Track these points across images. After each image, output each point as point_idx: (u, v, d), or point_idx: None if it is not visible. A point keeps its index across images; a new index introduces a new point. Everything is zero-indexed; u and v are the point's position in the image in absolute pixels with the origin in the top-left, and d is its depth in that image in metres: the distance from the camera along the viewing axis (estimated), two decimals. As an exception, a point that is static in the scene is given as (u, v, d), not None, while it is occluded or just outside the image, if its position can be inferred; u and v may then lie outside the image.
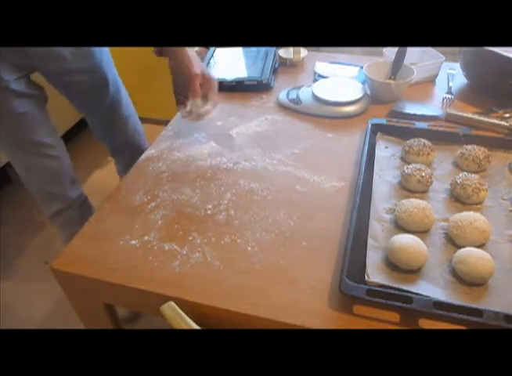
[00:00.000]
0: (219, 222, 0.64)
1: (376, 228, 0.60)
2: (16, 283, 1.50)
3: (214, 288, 0.54)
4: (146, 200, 0.69)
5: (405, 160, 0.72)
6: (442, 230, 0.59)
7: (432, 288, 0.51)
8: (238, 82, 0.95)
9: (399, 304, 0.48)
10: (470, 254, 0.53)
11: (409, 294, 0.49)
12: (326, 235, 0.61)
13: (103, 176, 1.88)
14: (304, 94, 0.90)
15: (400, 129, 0.77)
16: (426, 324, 0.49)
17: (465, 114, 0.81)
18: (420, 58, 1.00)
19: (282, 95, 0.92)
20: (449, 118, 0.82)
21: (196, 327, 0.47)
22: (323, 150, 0.78)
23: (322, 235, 0.61)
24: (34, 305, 1.41)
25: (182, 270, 0.57)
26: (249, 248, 0.60)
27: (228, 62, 1.06)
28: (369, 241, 0.58)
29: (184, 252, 0.59)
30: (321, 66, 1.02)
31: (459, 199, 0.64)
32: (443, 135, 0.76)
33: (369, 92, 0.91)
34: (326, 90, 0.89)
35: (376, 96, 0.90)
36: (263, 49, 1.06)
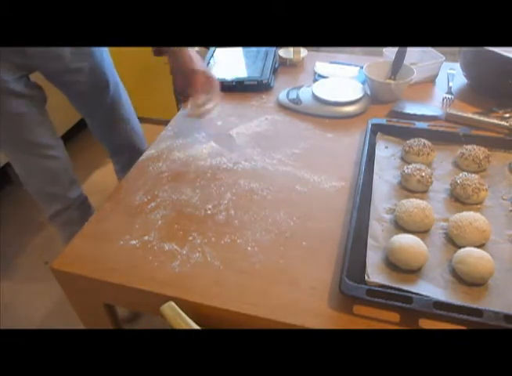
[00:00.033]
0: (219, 222, 0.64)
1: (376, 228, 0.60)
2: (16, 283, 1.50)
3: (214, 288, 0.54)
4: (146, 200, 0.69)
5: (405, 160, 0.72)
6: (442, 230, 0.59)
7: (432, 288, 0.51)
8: (238, 82, 0.95)
9: (399, 304, 0.48)
10: (470, 254, 0.53)
11: (409, 294, 0.49)
12: (326, 235, 0.61)
13: (103, 176, 1.88)
14: (304, 94, 0.90)
15: (400, 129, 0.77)
16: (426, 324, 0.49)
17: (465, 114, 0.81)
18: (420, 58, 1.00)
19: (282, 95, 0.92)
20: (449, 118, 0.82)
21: (196, 327, 0.47)
22: (323, 150, 0.78)
23: (322, 235, 0.61)
24: (34, 305, 1.41)
25: (182, 270, 0.57)
26: (249, 248, 0.60)
27: (228, 62, 1.06)
28: (369, 241, 0.58)
29: (184, 252, 0.59)
30: (321, 66, 1.02)
31: (459, 199, 0.64)
32: (443, 135, 0.76)
33: (369, 92, 0.91)
34: (326, 90, 0.89)
35: (376, 96, 0.90)
36: (263, 49, 1.06)
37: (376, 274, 0.53)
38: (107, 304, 0.65)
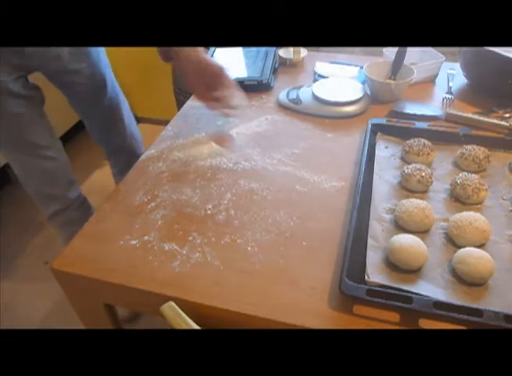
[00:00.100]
0: (219, 222, 0.64)
1: (376, 228, 0.60)
2: (16, 283, 1.50)
3: (214, 288, 0.54)
4: (146, 200, 0.69)
5: (405, 160, 0.72)
6: (442, 230, 0.59)
7: (432, 288, 0.51)
8: (238, 82, 0.95)
9: (399, 304, 0.48)
10: (470, 254, 0.53)
11: (409, 294, 0.49)
12: (326, 235, 0.61)
13: (102, 177, 1.88)
14: (304, 94, 0.90)
15: (400, 129, 0.77)
16: (426, 324, 0.49)
17: (465, 114, 0.81)
18: (420, 58, 1.00)
19: (282, 95, 0.92)
20: (449, 118, 0.82)
21: (196, 327, 0.47)
22: (323, 150, 0.78)
23: (322, 235, 0.61)
24: (34, 305, 1.41)
25: (182, 270, 0.57)
26: (249, 248, 0.60)
27: (228, 62, 1.06)
28: (369, 241, 0.58)
29: (184, 252, 0.59)
30: (321, 66, 1.02)
31: (459, 199, 0.64)
32: (443, 135, 0.76)
33: (369, 92, 0.91)
34: (326, 90, 0.89)
35: (376, 96, 0.90)
36: (263, 49, 1.06)
37: (376, 274, 0.53)
38: (107, 304, 0.65)
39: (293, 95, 0.90)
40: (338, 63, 1.04)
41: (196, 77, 0.75)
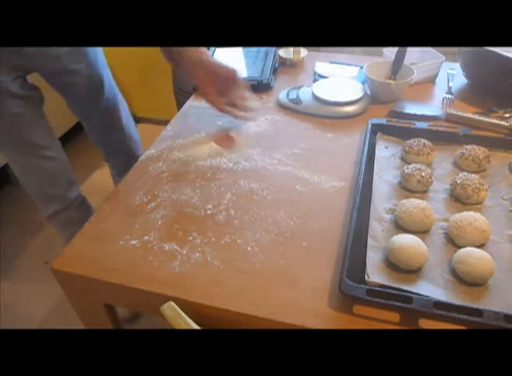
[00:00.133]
0: (219, 222, 0.64)
1: (376, 228, 0.60)
2: (16, 283, 1.50)
3: (214, 288, 0.54)
4: (146, 200, 0.69)
5: (405, 160, 0.72)
6: (442, 230, 0.59)
7: (432, 288, 0.51)
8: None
9: (399, 304, 0.48)
10: (470, 254, 0.53)
11: (409, 294, 0.49)
12: (326, 235, 0.61)
13: (102, 177, 1.88)
14: (304, 94, 0.90)
15: (400, 129, 0.77)
16: (426, 324, 0.49)
17: (465, 114, 0.81)
18: (420, 58, 1.00)
19: (282, 95, 0.92)
20: (449, 118, 0.82)
21: (196, 327, 0.47)
22: (323, 150, 0.78)
23: (322, 235, 0.61)
24: (34, 305, 1.41)
25: (182, 270, 0.57)
26: (249, 248, 0.60)
27: (229, 62, 1.06)
28: (369, 241, 0.58)
29: (184, 252, 0.59)
30: (321, 66, 1.02)
31: (459, 199, 0.64)
32: (443, 135, 0.76)
33: (369, 92, 0.91)
34: (326, 90, 0.89)
35: (376, 96, 0.90)
36: (263, 49, 1.06)
37: (376, 274, 0.53)
38: (107, 304, 0.65)
39: (293, 95, 0.90)
40: (338, 63, 1.04)
41: (206, 81, 0.75)
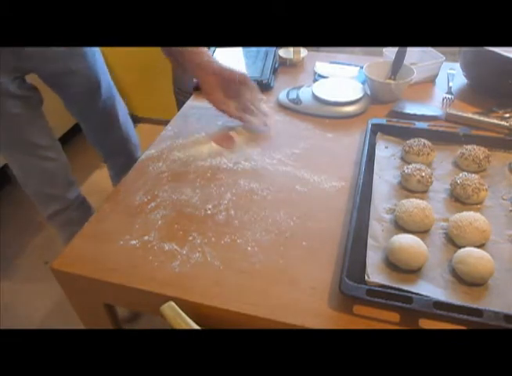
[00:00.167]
0: (219, 222, 0.64)
1: (376, 228, 0.60)
2: (16, 283, 1.50)
3: (214, 288, 0.54)
4: (146, 200, 0.69)
5: (405, 160, 0.72)
6: (442, 230, 0.59)
7: (432, 288, 0.51)
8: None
9: (399, 304, 0.48)
10: (470, 254, 0.53)
11: (409, 294, 0.49)
12: (326, 235, 0.61)
13: (102, 177, 1.88)
14: (304, 94, 0.90)
15: (400, 129, 0.77)
16: (426, 324, 0.49)
17: (465, 114, 0.81)
18: (420, 58, 1.00)
19: (282, 95, 0.92)
20: (449, 118, 0.82)
21: (196, 327, 0.47)
22: (323, 150, 0.78)
23: (322, 235, 0.61)
24: (34, 305, 1.41)
25: (182, 270, 0.57)
26: (249, 248, 0.60)
27: (229, 62, 1.06)
28: (369, 241, 0.58)
29: (184, 252, 0.59)
30: (321, 66, 1.02)
31: (459, 199, 0.64)
32: (443, 135, 0.76)
33: (369, 92, 0.91)
34: (326, 90, 0.89)
35: (376, 96, 0.90)
36: (263, 49, 1.06)
37: (376, 274, 0.53)
38: (107, 304, 0.65)
39: (293, 95, 0.90)
40: (338, 63, 1.04)
41: (215, 87, 0.75)
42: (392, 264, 0.54)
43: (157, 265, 0.58)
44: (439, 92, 0.93)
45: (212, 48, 1.07)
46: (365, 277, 0.52)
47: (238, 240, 0.61)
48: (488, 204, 0.63)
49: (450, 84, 0.93)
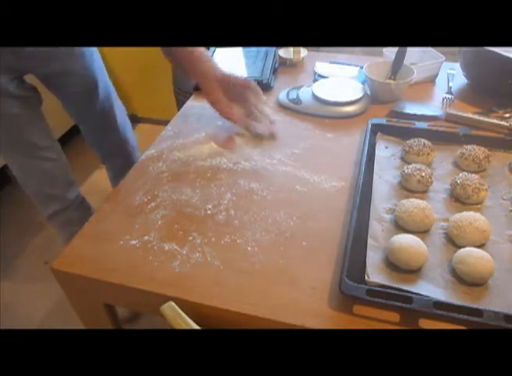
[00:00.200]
0: (219, 222, 0.64)
1: (376, 228, 0.60)
2: (16, 283, 1.50)
3: (214, 288, 0.54)
4: (146, 200, 0.69)
5: (405, 160, 0.72)
6: (442, 230, 0.59)
7: (432, 288, 0.51)
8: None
9: (399, 304, 0.48)
10: (470, 254, 0.53)
11: (409, 294, 0.49)
12: (326, 235, 0.61)
13: (101, 178, 1.87)
14: (304, 94, 0.90)
15: (400, 129, 0.77)
16: (426, 324, 0.49)
17: (465, 114, 0.81)
18: (420, 58, 1.00)
19: (282, 95, 0.92)
20: (449, 118, 0.82)
21: (196, 327, 0.47)
22: (323, 150, 0.78)
23: (322, 235, 0.61)
24: (34, 305, 1.41)
25: (182, 270, 0.57)
26: (249, 248, 0.60)
27: (229, 62, 1.06)
28: (369, 241, 0.58)
29: (184, 252, 0.59)
30: (321, 66, 1.02)
31: (459, 199, 0.64)
32: (443, 135, 0.76)
33: (369, 92, 0.91)
34: (326, 90, 0.89)
35: (376, 96, 0.90)
36: (263, 49, 1.06)
37: (376, 274, 0.53)
38: (107, 304, 0.65)
39: (293, 95, 0.90)
40: (338, 63, 1.04)
41: (215, 88, 0.75)
42: (392, 264, 0.54)
43: (157, 265, 0.58)
44: (439, 92, 0.93)
45: (212, 48, 1.07)
46: (365, 277, 0.52)
47: (238, 240, 0.61)
48: (488, 204, 0.63)
49: (450, 84, 0.93)
